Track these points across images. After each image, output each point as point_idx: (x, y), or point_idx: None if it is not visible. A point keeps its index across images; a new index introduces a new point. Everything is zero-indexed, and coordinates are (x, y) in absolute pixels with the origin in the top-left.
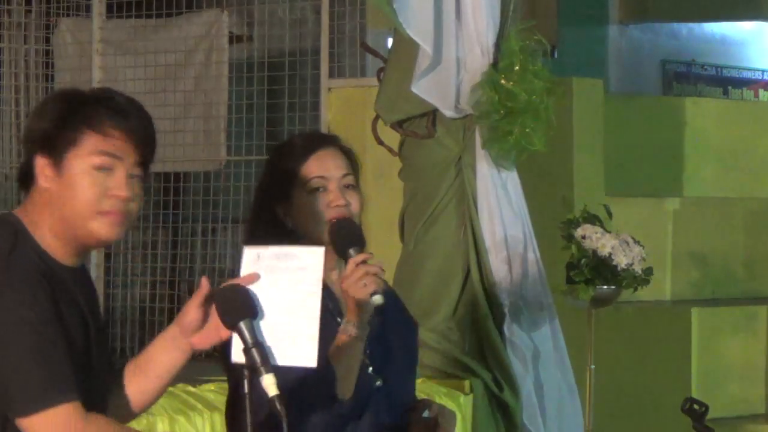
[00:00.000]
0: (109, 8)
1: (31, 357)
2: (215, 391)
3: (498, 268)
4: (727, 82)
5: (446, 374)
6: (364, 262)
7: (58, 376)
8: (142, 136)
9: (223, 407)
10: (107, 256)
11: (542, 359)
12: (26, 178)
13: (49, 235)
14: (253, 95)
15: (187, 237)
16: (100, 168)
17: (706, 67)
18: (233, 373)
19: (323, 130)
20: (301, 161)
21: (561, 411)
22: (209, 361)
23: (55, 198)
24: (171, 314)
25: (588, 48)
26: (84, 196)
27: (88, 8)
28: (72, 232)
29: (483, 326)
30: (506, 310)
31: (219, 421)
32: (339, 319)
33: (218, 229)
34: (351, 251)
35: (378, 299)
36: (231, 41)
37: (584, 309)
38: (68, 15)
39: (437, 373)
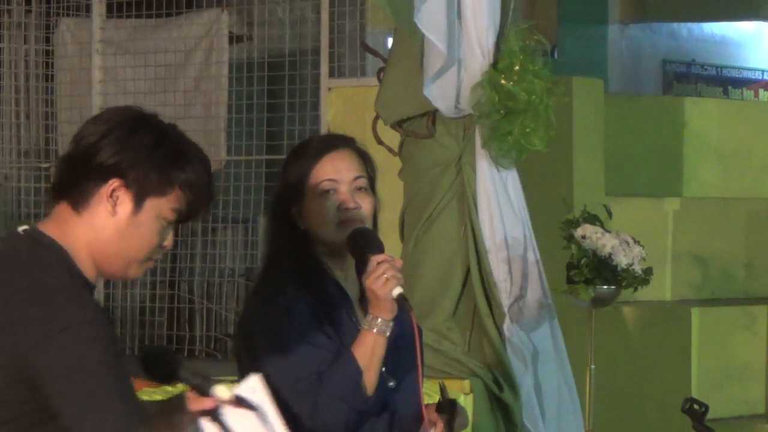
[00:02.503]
0: (109, 8)
1: (113, 394)
2: None
3: (498, 268)
4: (727, 82)
5: (446, 374)
6: (384, 260)
7: (136, 412)
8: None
9: None
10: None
11: (542, 359)
12: (79, 194)
13: (85, 258)
14: (253, 95)
15: (187, 237)
16: (168, 222)
17: (706, 67)
18: (244, 376)
19: (323, 130)
20: (313, 163)
21: (561, 411)
22: (209, 361)
23: (114, 231)
24: (171, 314)
25: (588, 48)
26: (149, 243)
27: (88, 8)
28: (108, 264)
29: (483, 326)
30: (506, 310)
31: None
32: (354, 318)
33: (218, 229)
34: (372, 259)
35: (398, 290)
36: (231, 41)
37: (584, 309)
38: (68, 15)
39: (437, 373)
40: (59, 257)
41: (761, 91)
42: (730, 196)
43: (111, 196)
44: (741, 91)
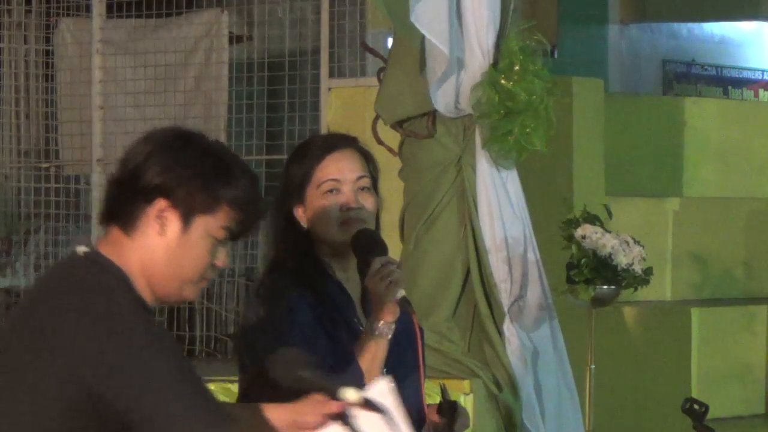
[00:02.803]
0: (109, 8)
1: (192, 394)
2: (215, 391)
3: (498, 268)
4: (727, 82)
5: (446, 374)
6: (388, 262)
7: (223, 414)
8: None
9: None
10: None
11: (542, 359)
12: (128, 217)
13: (142, 282)
14: (253, 95)
15: None
16: (218, 241)
17: (706, 67)
18: (245, 376)
19: (323, 130)
20: (316, 163)
21: (561, 411)
22: (210, 361)
23: (165, 252)
24: (171, 314)
25: (588, 48)
26: (201, 262)
27: (88, 8)
28: (163, 286)
29: (483, 326)
30: (506, 310)
31: None
32: (356, 319)
33: None
34: (375, 260)
35: (401, 292)
36: (231, 41)
37: (584, 309)
38: (68, 15)
39: (437, 373)
40: (120, 281)
41: (761, 91)
42: (730, 196)
43: (159, 216)
44: (741, 91)
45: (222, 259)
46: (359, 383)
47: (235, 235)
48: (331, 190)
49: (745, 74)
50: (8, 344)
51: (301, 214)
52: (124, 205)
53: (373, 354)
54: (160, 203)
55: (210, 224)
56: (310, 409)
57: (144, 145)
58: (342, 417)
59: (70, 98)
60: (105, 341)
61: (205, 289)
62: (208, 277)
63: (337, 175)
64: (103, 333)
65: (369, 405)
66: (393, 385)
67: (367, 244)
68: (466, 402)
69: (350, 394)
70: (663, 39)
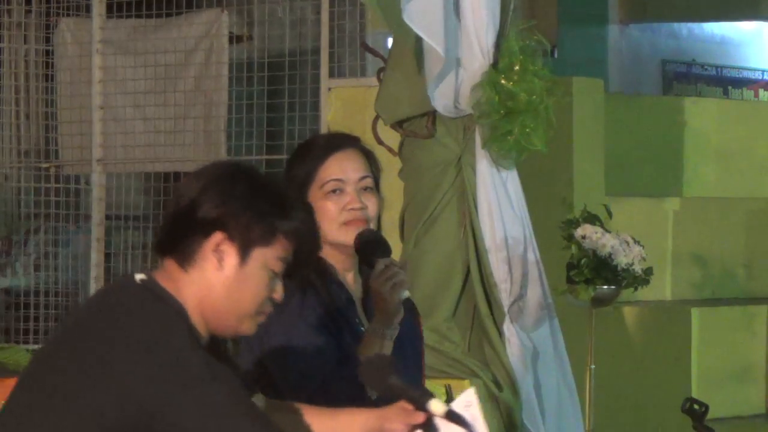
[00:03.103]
0: (109, 8)
1: (253, 426)
2: None
3: (498, 268)
4: (727, 82)
5: (446, 374)
6: (391, 263)
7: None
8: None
9: None
10: (107, 256)
11: (542, 359)
12: (184, 251)
13: (197, 316)
14: (253, 95)
15: None
16: (275, 273)
17: (706, 67)
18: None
19: (323, 130)
20: (318, 162)
21: (561, 411)
22: None
23: (223, 285)
24: None
25: (588, 48)
26: (259, 295)
27: (88, 8)
28: (220, 321)
29: (483, 326)
30: (506, 310)
31: None
32: (357, 319)
33: None
34: (379, 261)
35: (405, 294)
36: (231, 41)
37: (584, 309)
38: (68, 15)
39: (437, 373)
40: (179, 313)
41: (761, 91)
42: (730, 196)
43: (216, 250)
44: (741, 91)
45: (279, 292)
46: (363, 387)
47: (292, 268)
48: (334, 191)
49: (745, 74)
50: (55, 364)
51: None
52: (181, 238)
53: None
54: (217, 237)
55: (267, 256)
56: (395, 416)
57: (197, 179)
58: (426, 427)
59: (70, 98)
60: (161, 372)
61: None
62: (266, 311)
63: (341, 175)
64: (159, 364)
65: (454, 417)
66: (477, 397)
67: (371, 245)
68: None
69: (437, 405)
70: (663, 39)
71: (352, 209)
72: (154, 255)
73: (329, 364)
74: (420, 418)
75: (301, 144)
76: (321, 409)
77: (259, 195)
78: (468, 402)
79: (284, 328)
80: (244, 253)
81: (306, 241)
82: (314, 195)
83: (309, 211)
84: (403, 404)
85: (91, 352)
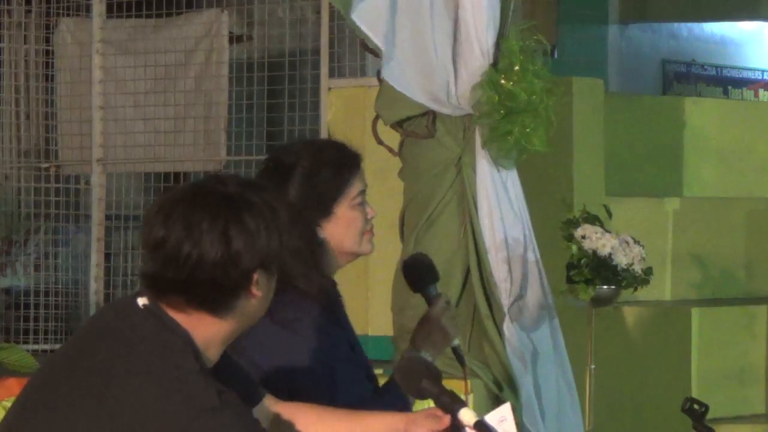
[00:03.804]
0: (109, 8)
1: None
2: None
3: (498, 268)
4: (727, 82)
5: (446, 374)
6: (448, 303)
7: None
8: None
9: None
10: (107, 256)
11: (542, 359)
12: (222, 305)
13: (215, 347)
14: (253, 95)
15: None
16: None
17: (706, 67)
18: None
19: (323, 130)
20: (352, 176)
21: (561, 411)
22: None
23: (260, 305)
24: None
25: (588, 48)
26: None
27: (88, 8)
28: (246, 330)
29: (483, 326)
30: (506, 310)
31: None
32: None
33: None
34: (431, 288)
35: (457, 341)
36: (231, 41)
37: (584, 309)
38: (68, 15)
39: None
40: (186, 342)
41: (761, 91)
42: (730, 196)
43: (257, 284)
44: (741, 91)
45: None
46: (406, 404)
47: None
48: (360, 203)
49: (745, 74)
50: (57, 395)
51: (322, 226)
52: (216, 294)
53: None
54: (255, 277)
55: (269, 280)
56: (423, 421)
57: (204, 232)
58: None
59: (70, 98)
60: (169, 403)
61: None
62: None
63: (364, 187)
64: (166, 394)
65: (483, 428)
66: (511, 411)
67: (425, 272)
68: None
69: (467, 414)
70: (663, 39)
71: (371, 219)
72: (146, 292)
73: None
74: (444, 423)
75: (326, 155)
76: (346, 410)
77: (264, 215)
78: (503, 417)
79: (342, 364)
80: (272, 271)
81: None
82: (343, 206)
83: (279, 202)
84: (434, 410)
85: (97, 381)
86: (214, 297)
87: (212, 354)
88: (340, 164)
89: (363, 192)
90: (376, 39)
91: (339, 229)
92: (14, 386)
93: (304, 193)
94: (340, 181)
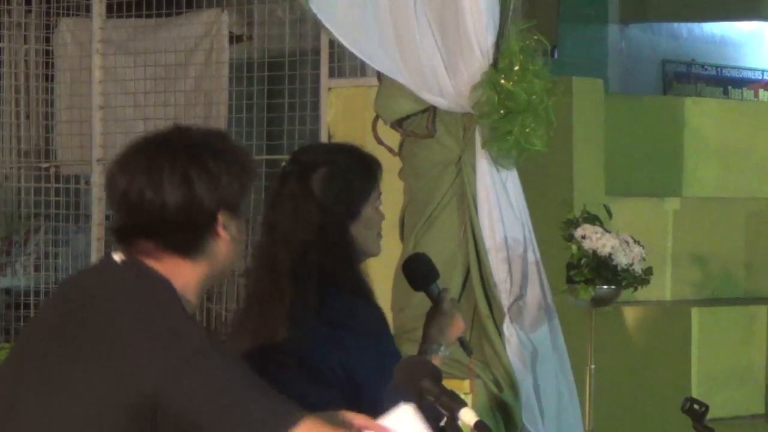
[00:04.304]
0: (109, 8)
1: (256, 391)
2: None
3: (498, 268)
4: (727, 82)
5: (446, 374)
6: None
7: (282, 400)
8: None
9: None
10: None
11: (542, 359)
12: (191, 246)
13: (193, 290)
14: (253, 95)
15: None
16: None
17: (706, 67)
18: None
19: (323, 130)
20: (374, 179)
21: (560, 411)
22: None
23: (229, 249)
24: None
25: (588, 48)
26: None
27: (88, 8)
28: (222, 275)
29: (483, 326)
30: (506, 310)
31: None
32: None
33: None
34: (433, 287)
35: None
36: (231, 41)
37: (584, 309)
38: (68, 15)
39: None
40: (169, 290)
41: (761, 91)
42: (730, 196)
43: (225, 227)
44: (741, 91)
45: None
46: None
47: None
48: (378, 205)
49: (745, 74)
50: (50, 352)
51: (349, 228)
52: (184, 235)
53: None
54: (221, 217)
55: (237, 219)
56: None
57: (165, 178)
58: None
59: (70, 98)
60: (161, 348)
61: None
62: None
63: (381, 190)
64: (157, 340)
65: (483, 428)
66: (413, 413)
67: (427, 269)
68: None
69: (467, 414)
70: (663, 39)
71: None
72: (118, 244)
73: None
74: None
75: (358, 161)
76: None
77: (225, 159)
78: (402, 418)
79: (384, 362)
80: (237, 214)
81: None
82: (368, 207)
83: (242, 148)
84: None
85: (92, 337)
86: (182, 240)
87: (191, 298)
88: (369, 167)
89: (380, 195)
90: (335, 30)
91: (362, 229)
92: None
93: (335, 194)
94: (369, 183)
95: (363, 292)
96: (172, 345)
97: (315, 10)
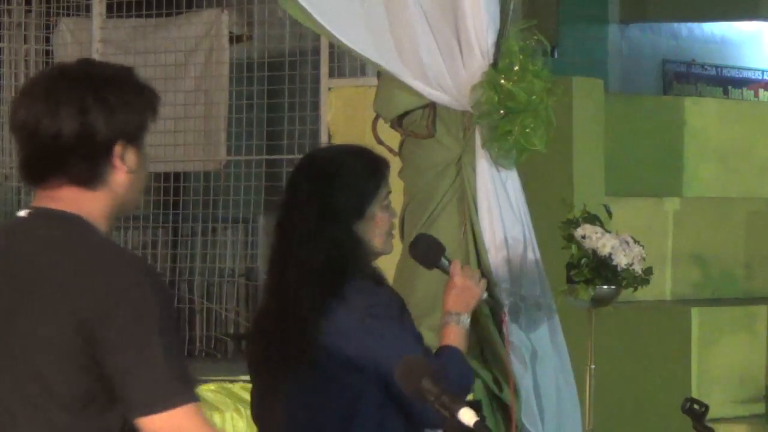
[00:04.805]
0: (109, 8)
1: (165, 354)
2: (215, 391)
3: (498, 268)
4: (727, 82)
5: None
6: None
7: (187, 375)
8: None
9: (223, 407)
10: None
11: (541, 359)
12: (89, 175)
13: (103, 224)
14: (253, 95)
15: (187, 237)
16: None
17: (706, 67)
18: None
19: (323, 130)
20: (381, 179)
21: (560, 411)
22: (209, 361)
23: (131, 181)
24: None
25: (588, 48)
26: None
27: (88, 8)
28: (128, 208)
29: (483, 326)
30: (506, 310)
31: (219, 420)
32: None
33: (218, 229)
34: (443, 260)
35: (485, 294)
36: (231, 41)
37: (584, 309)
38: (68, 15)
39: None
40: (88, 226)
41: (761, 91)
42: (730, 196)
43: (121, 158)
44: (741, 91)
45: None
46: (469, 373)
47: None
48: (388, 205)
49: (745, 74)
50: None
51: (358, 226)
52: (80, 165)
53: (464, 343)
54: (118, 149)
55: (146, 137)
56: None
57: (60, 106)
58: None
59: None
60: (99, 283)
61: (204, 289)
62: None
63: (390, 190)
64: (97, 276)
65: (482, 428)
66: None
67: (434, 246)
68: None
69: (467, 414)
70: (663, 39)
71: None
72: (26, 183)
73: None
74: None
75: (365, 159)
76: None
77: (126, 91)
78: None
79: (404, 339)
80: (140, 145)
81: (157, 99)
82: (375, 207)
83: (136, 72)
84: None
85: (35, 290)
86: (79, 170)
87: (100, 228)
88: (375, 166)
89: (389, 194)
90: (320, 18)
91: (370, 229)
92: None
93: (343, 195)
94: (374, 183)
95: (379, 281)
96: (105, 280)
97: (304, 3)
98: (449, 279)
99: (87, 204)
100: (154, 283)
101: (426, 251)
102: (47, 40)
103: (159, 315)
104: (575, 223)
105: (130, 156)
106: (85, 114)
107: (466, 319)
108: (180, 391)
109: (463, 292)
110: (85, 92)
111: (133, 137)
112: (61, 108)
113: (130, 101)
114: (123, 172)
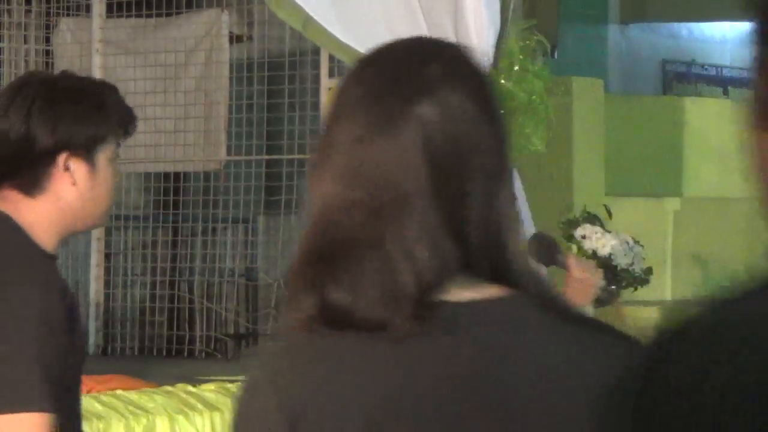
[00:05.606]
0: (109, 8)
1: (30, 358)
2: (215, 391)
3: None
4: (727, 82)
5: None
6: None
7: (48, 384)
8: None
9: (223, 407)
10: (107, 256)
11: None
12: (29, 180)
13: (46, 231)
14: (253, 95)
15: (187, 237)
16: (113, 161)
17: (706, 67)
18: None
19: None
20: None
21: None
22: (210, 361)
23: (80, 197)
24: (171, 314)
25: (588, 48)
26: (111, 189)
27: (88, 8)
28: (85, 224)
29: None
30: None
31: (219, 420)
32: None
33: (218, 229)
34: (559, 257)
35: (604, 282)
36: (231, 41)
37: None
38: (68, 15)
39: None
40: (11, 225)
41: None
42: (730, 196)
43: (66, 169)
44: (741, 91)
45: (117, 174)
46: None
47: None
48: None
49: (745, 74)
50: None
51: None
52: (22, 170)
53: None
54: (62, 158)
55: (107, 151)
56: None
57: (12, 110)
58: None
59: None
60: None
61: (205, 289)
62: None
63: None
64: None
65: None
66: None
67: (550, 243)
68: None
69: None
70: (663, 39)
71: None
72: None
73: None
74: None
75: None
76: None
77: (80, 102)
78: None
79: None
80: (91, 159)
81: (130, 119)
82: None
83: (115, 90)
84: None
85: None
86: (22, 174)
87: (43, 239)
88: None
89: None
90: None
91: None
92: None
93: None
94: None
95: None
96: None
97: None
98: (567, 275)
99: (25, 209)
100: (48, 289)
101: (544, 249)
102: (47, 40)
103: (37, 319)
104: (575, 223)
105: (79, 168)
106: (28, 120)
107: (589, 311)
108: (31, 397)
109: (583, 284)
110: (35, 100)
111: (83, 149)
112: (11, 112)
113: (83, 114)
114: (68, 183)
